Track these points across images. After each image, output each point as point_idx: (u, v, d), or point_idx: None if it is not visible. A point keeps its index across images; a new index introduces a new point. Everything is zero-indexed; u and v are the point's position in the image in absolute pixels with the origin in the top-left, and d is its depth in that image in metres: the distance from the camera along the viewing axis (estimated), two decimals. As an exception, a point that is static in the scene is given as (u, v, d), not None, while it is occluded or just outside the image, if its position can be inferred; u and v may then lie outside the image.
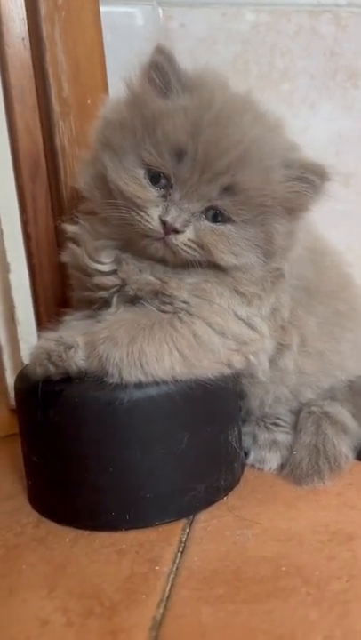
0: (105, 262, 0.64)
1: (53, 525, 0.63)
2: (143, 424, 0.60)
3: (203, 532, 0.61)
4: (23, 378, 0.65)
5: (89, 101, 0.81)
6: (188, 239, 0.59)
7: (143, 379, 0.59)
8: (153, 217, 0.58)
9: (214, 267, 0.61)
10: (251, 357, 0.64)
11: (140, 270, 0.62)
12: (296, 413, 0.74)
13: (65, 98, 0.80)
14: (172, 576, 0.54)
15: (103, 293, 0.65)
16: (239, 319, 0.62)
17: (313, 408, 0.73)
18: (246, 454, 0.73)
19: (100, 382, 0.60)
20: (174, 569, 0.55)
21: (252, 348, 0.64)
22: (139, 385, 0.59)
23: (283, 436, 0.73)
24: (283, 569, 0.54)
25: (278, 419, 0.74)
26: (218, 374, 0.62)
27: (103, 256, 0.64)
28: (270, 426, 0.74)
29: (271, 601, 0.49)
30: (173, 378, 0.59)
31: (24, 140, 0.82)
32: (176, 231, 0.58)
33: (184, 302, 0.61)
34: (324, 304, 0.70)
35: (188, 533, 0.61)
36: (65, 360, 0.59)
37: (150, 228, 0.58)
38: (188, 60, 0.87)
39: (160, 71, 0.60)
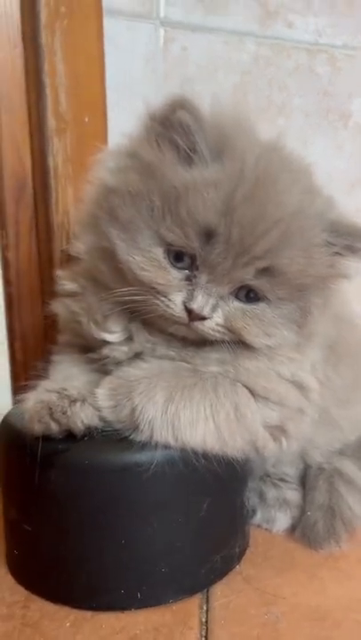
0: (115, 332, 0.55)
1: (46, 605, 0.55)
2: (163, 490, 0.53)
3: (224, 610, 0.54)
4: (12, 431, 0.55)
5: (86, 119, 0.74)
6: (217, 324, 0.51)
7: (173, 443, 0.51)
8: (176, 303, 0.50)
9: (244, 344, 0.53)
10: (284, 442, 0.57)
11: (152, 347, 0.55)
12: (302, 469, 0.70)
13: (62, 113, 0.72)
14: (203, 671, 0.47)
15: (111, 364, 0.56)
16: (283, 379, 0.55)
17: (323, 465, 0.69)
18: (252, 513, 0.68)
19: (109, 441, 0.52)
20: (203, 661, 0.48)
21: (294, 425, 0.56)
22: (157, 446, 0.52)
23: (292, 494, 0.68)
24: (325, 656, 0.49)
25: (285, 474, 0.70)
26: (245, 456, 0.55)
27: (112, 324, 0.55)
28: (277, 482, 0.69)
29: None
30: (203, 450, 0.52)
31: (9, 157, 0.74)
32: (203, 318, 0.51)
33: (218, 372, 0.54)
34: (348, 365, 0.65)
35: (208, 612, 0.54)
36: (69, 416, 0.51)
37: (173, 315, 0.51)
38: (187, 85, 0.84)
39: (185, 132, 0.49)
